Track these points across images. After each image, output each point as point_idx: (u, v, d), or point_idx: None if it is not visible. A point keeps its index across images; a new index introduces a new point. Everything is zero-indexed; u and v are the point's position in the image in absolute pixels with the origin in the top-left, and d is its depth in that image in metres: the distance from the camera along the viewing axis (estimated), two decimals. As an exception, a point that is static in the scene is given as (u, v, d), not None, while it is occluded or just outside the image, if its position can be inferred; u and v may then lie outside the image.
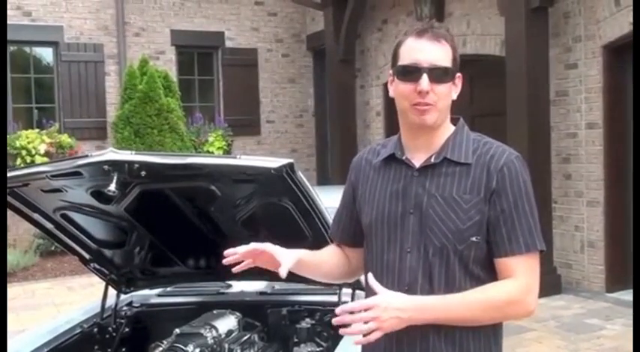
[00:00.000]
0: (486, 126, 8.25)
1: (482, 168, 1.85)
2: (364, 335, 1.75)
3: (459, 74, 1.93)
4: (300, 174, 2.56)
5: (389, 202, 1.92)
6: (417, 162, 1.91)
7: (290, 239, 3.05)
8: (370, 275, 1.85)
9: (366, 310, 1.74)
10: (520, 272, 1.83)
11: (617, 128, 7.06)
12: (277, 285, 3.67)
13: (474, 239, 1.83)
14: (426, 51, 1.84)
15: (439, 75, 1.84)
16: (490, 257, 1.86)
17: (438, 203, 1.85)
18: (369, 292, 1.89)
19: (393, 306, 1.75)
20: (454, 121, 1.98)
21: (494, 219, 1.83)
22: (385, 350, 1.91)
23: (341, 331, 1.78)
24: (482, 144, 1.92)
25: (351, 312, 1.74)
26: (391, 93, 1.95)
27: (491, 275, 1.86)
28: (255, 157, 2.59)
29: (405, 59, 1.87)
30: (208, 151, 11.18)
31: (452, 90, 1.91)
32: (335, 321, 1.76)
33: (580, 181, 7.35)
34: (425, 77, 1.82)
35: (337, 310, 1.76)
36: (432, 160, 1.89)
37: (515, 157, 1.88)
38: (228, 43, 12.28)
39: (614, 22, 6.84)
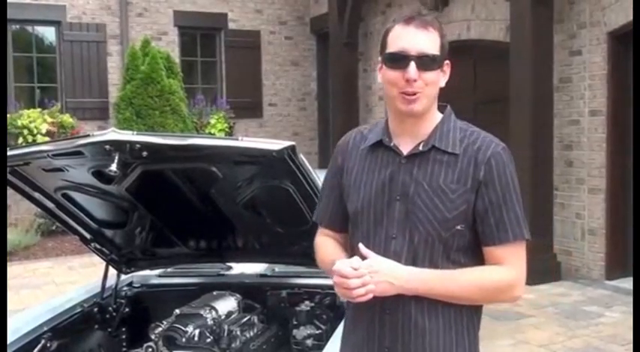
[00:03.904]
0: (490, 112, 8.29)
1: (470, 159, 1.87)
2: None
3: (447, 61, 1.92)
4: (301, 156, 2.55)
5: (375, 189, 1.93)
6: (405, 148, 1.92)
7: (290, 222, 3.07)
8: (361, 245, 1.88)
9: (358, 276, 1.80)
10: (509, 260, 1.88)
11: (620, 115, 7.03)
12: (277, 268, 3.68)
13: (458, 227, 1.86)
14: (413, 38, 1.84)
15: (426, 62, 1.84)
16: (472, 244, 1.90)
17: (425, 191, 1.87)
18: None
19: (383, 271, 1.82)
20: (442, 109, 1.98)
21: (482, 209, 1.86)
22: (367, 323, 1.95)
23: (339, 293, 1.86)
24: (469, 133, 1.92)
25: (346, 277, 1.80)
26: (379, 80, 1.96)
27: (473, 261, 1.90)
28: (256, 139, 2.59)
29: (392, 47, 1.87)
30: (210, 133, 11.16)
31: (440, 78, 1.91)
32: (336, 281, 1.83)
33: (582, 168, 7.33)
34: (412, 65, 1.83)
35: (334, 267, 1.82)
36: (420, 148, 1.90)
37: (501, 149, 1.89)
38: (231, 25, 12.22)
39: (619, 8, 6.79)
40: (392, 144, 1.94)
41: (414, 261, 1.87)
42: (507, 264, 1.88)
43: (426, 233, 1.86)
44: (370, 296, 1.80)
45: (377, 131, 2.00)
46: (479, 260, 1.91)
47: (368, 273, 1.80)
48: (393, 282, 1.82)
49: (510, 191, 1.87)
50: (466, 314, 1.92)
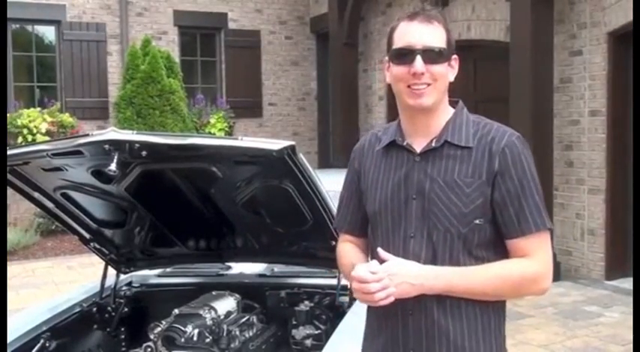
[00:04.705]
0: (489, 112, 8.20)
1: (484, 150, 1.85)
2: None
3: (455, 56, 1.92)
4: (301, 156, 2.55)
5: (392, 190, 1.92)
6: (418, 146, 1.91)
7: (290, 222, 3.07)
8: (379, 249, 1.87)
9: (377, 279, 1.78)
10: (534, 252, 1.84)
11: (620, 116, 7.03)
12: (276, 268, 3.68)
13: (477, 222, 1.84)
14: (418, 33, 1.85)
15: (433, 56, 1.84)
16: (493, 239, 1.87)
17: (440, 187, 1.85)
18: None
19: (402, 272, 1.80)
20: (453, 104, 1.97)
21: (500, 200, 1.83)
22: (391, 327, 1.92)
23: (359, 299, 1.83)
24: (482, 126, 1.91)
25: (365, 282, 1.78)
26: (388, 80, 1.95)
27: (496, 256, 1.87)
28: (256, 139, 2.58)
29: (398, 43, 1.88)
30: (210, 133, 11.15)
31: (448, 72, 1.90)
32: (355, 288, 1.81)
33: (582, 169, 7.33)
34: (419, 58, 1.83)
35: (353, 273, 1.81)
36: (433, 144, 1.89)
37: (516, 138, 1.87)
38: (231, 25, 12.21)
39: (619, 9, 6.79)
40: (405, 143, 1.93)
41: (433, 260, 1.85)
42: (531, 256, 1.83)
43: (444, 229, 1.84)
44: (392, 299, 1.78)
45: (390, 132, 1.99)
46: (502, 255, 1.87)
47: (387, 276, 1.78)
48: (413, 283, 1.80)
49: (528, 179, 1.84)
50: (491, 314, 1.89)
